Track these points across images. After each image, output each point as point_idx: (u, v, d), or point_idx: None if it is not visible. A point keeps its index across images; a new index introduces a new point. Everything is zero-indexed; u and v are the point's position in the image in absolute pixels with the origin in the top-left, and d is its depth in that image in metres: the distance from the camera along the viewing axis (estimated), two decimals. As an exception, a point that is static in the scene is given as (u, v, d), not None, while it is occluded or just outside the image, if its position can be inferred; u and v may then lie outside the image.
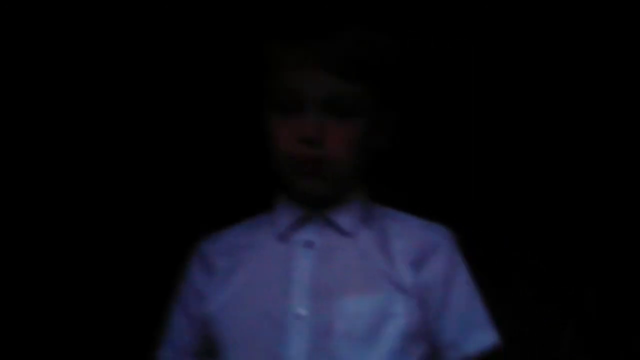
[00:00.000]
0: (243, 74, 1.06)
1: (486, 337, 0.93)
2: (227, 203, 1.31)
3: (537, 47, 1.41)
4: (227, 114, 1.39)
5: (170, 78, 1.42)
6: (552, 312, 1.42)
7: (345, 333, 0.86)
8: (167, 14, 1.39)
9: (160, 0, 1.38)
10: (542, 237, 1.42)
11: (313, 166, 0.89)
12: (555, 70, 1.42)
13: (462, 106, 1.43)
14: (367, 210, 0.96)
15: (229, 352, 0.90)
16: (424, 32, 1.36)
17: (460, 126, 1.44)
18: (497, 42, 1.41)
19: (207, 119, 1.43)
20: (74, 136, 1.42)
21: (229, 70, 1.39)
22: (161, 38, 1.41)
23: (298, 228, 0.94)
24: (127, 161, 1.43)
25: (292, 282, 0.89)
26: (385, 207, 1.00)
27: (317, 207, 0.94)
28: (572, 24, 1.40)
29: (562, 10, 1.39)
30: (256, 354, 0.88)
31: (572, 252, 1.41)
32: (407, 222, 0.97)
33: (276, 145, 0.91)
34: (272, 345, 0.87)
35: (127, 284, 1.39)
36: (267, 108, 0.93)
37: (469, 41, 1.41)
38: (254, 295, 0.91)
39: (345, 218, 0.94)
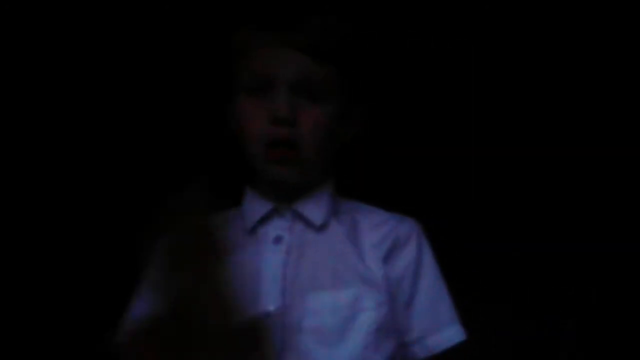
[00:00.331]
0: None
1: (452, 333, 0.93)
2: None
3: (537, 47, 1.41)
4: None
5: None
6: (552, 312, 1.42)
7: (315, 329, 0.86)
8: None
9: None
10: (542, 237, 1.42)
11: (285, 149, 0.90)
12: (555, 69, 1.42)
13: (463, 106, 1.43)
14: (335, 203, 0.97)
15: None
16: (423, 32, 1.36)
17: (461, 126, 1.44)
18: (497, 42, 1.41)
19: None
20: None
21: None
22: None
23: (267, 222, 0.94)
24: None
25: (261, 278, 0.89)
26: (354, 200, 1.00)
27: (287, 197, 0.94)
28: (572, 24, 1.40)
29: (562, 11, 1.39)
30: None
31: (572, 252, 1.41)
32: (376, 216, 0.97)
33: (248, 129, 0.91)
34: None
35: (127, 284, 1.39)
36: (237, 92, 0.93)
37: (469, 41, 1.41)
38: None
39: (314, 211, 0.94)
